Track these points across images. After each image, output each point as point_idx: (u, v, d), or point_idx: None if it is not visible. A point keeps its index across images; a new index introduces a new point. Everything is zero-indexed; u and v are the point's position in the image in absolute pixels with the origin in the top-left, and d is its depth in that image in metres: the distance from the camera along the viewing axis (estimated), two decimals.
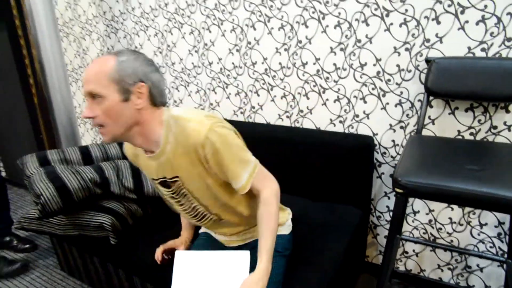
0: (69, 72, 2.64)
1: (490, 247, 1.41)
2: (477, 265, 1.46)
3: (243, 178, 0.97)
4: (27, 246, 2.15)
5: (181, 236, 1.31)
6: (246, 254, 1.03)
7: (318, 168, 1.57)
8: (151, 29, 2.04)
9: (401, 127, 1.45)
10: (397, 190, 0.99)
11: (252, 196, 1.05)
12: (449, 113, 1.35)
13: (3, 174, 3.42)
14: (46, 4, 2.03)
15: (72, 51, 2.54)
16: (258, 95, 1.77)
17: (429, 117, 1.38)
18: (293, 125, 1.72)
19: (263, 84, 1.73)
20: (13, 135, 3.17)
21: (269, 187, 1.02)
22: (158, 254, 1.26)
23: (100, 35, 2.32)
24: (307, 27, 1.53)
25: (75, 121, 2.35)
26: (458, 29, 1.25)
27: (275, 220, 1.00)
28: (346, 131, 1.58)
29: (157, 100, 0.96)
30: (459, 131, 1.35)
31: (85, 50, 2.46)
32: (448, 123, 1.36)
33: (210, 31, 1.82)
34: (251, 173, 0.98)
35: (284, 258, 1.15)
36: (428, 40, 1.31)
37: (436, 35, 1.29)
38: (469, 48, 1.25)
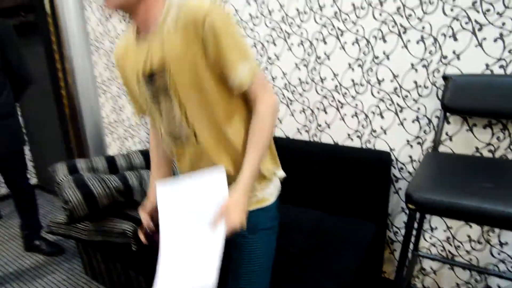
0: (98, 84, 2.76)
1: None
2: (498, 286, 1.43)
3: (242, 72, 0.84)
4: (55, 250, 2.25)
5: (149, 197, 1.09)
6: (220, 172, 0.90)
7: (335, 182, 1.59)
8: None
9: (418, 143, 1.45)
10: (409, 205, 1.00)
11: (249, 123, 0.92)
12: (467, 130, 1.34)
13: (35, 180, 3.58)
14: (79, 21, 2.16)
15: (102, 64, 2.67)
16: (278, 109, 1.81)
17: (446, 134, 1.38)
18: (311, 139, 1.74)
19: (283, 98, 1.77)
20: (45, 143, 3.33)
21: (267, 98, 0.89)
22: (147, 221, 1.04)
23: None
24: (325, 43, 1.56)
25: (103, 131, 2.46)
26: (476, 46, 1.25)
27: (267, 137, 0.89)
28: (364, 146, 1.59)
29: None
30: (477, 148, 1.34)
31: (113, 65, 2.58)
32: (466, 140, 1.35)
33: None
34: (251, 69, 0.85)
35: (274, 234, 1.04)
36: (445, 57, 1.32)
37: (454, 52, 1.30)
38: (487, 65, 1.25)
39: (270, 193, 0.99)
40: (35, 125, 3.35)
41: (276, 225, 1.03)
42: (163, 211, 0.94)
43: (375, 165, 1.49)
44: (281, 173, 1.05)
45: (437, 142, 1.33)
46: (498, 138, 1.30)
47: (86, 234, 1.59)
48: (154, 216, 1.03)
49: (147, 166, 1.84)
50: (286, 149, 1.72)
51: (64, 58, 2.17)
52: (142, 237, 1.04)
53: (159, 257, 0.89)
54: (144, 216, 1.04)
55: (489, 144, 1.31)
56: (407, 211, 1.55)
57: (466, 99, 1.23)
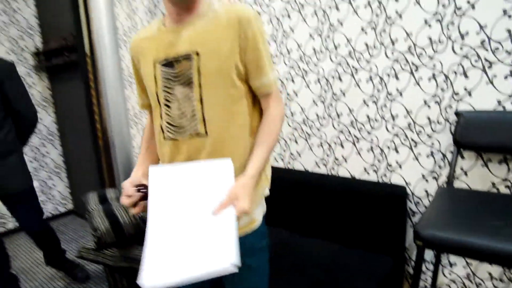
0: (131, 117, 2.93)
1: None
2: None
3: (272, 76, 0.95)
4: (83, 274, 2.34)
5: (137, 171, 1.04)
6: (228, 162, 0.89)
7: (352, 215, 1.60)
8: None
9: (434, 178, 1.45)
10: (417, 242, 1.01)
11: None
12: (482, 165, 1.34)
13: (71, 205, 3.77)
14: (115, 59, 2.33)
15: (134, 98, 2.84)
16: (297, 143, 1.86)
17: (461, 169, 1.38)
18: (329, 173, 1.78)
19: (301, 132, 1.83)
20: (81, 172, 3.52)
21: (280, 107, 0.98)
22: (129, 190, 0.93)
23: None
24: (341, 81, 1.62)
25: (133, 162, 2.58)
26: (487, 83, 1.27)
27: (275, 140, 0.96)
28: (380, 180, 1.61)
29: None
30: (493, 183, 1.33)
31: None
32: (482, 175, 1.35)
33: None
34: (275, 78, 0.97)
35: (267, 249, 1.05)
36: (457, 94, 1.34)
37: (465, 89, 1.32)
38: (498, 101, 1.26)
39: (258, 213, 1.02)
40: (73, 155, 3.56)
41: (268, 240, 1.06)
42: (155, 193, 0.87)
43: (391, 199, 1.50)
44: (267, 191, 1.05)
45: (450, 177, 1.33)
46: None
47: (113, 260, 1.67)
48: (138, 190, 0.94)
49: None
50: (304, 182, 1.76)
51: (99, 93, 2.34)
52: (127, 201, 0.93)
53: (146, 241, 0.83)
54: (126, 184, 0.95)
55: (505, 179, 1.30)
56: None
57: (478, 135, 1.24)
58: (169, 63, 0.94)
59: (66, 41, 2.88)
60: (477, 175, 1.36)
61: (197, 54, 0.90)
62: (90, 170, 3.17)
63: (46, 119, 3.51)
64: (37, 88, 3.41)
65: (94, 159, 2.98)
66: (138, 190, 0.93)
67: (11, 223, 3.34)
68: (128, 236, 1.62)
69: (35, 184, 3.28)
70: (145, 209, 0.92)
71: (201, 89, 0.91)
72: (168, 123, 0.97)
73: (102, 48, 2.27)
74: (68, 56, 2.91)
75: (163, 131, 0.99)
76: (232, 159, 0.89)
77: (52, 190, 3.62)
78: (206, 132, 0.93)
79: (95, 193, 1.88)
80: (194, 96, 0.92)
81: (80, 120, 3.12)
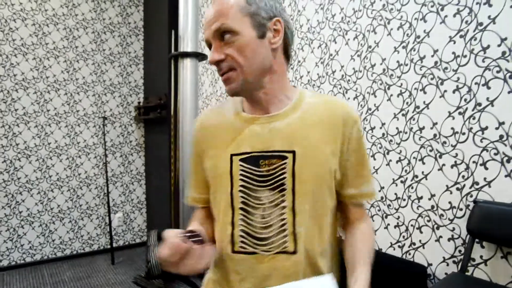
0: None
1: None
2: None
3: (373, 185, 0.85)
4: None
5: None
6: (329, 278, 0.72)
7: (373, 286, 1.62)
8: None
9: (454, 262, 1.44)
10: None
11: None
12: (501, 257, 1.31)
13: (144, 238, 4.16)
14: (192, 120, 2.72)
15: None
16: None
17: (481, 257, 1.36)
18: None
19: None
20: (157, 210, 3.93)
21: (370, 222, 0.87)
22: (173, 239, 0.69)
23: None
24: (373, 157, 1.73)
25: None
26: (506, 176, 1.29)
27: (371, 256, 0.80)
28: (404, 257, 1.62)
29: (289, 45, 0.81)
30: None
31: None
32: (501, 267, 1.31)
33: None
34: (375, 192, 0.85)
35: None
36: (477, 183, 1.37)
37: (485, 179, 1.35)
38: None
39: None
40: (154, 195, 4.01)
41: None
42: None
43: (411, 277, 1.50)
44: None
45: (463, 264, 1.32)
46: None
47: None
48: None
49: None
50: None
51: (177, 147, 2.72)
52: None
53: None
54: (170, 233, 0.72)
55: None
56: None
57: (490, 227, 1.25)
58: (253, 160, 0.77)
59: (161, 100, 3.41)
60: (496, 267, 1.33)
61: (294, 154, 0.75)
62: (165, 210, 3.54)
63: (138, 161, 4.06)
64: (134, 135, 4.01)
65: (168, 201, 3.35)
66: (188, 237, 0.70)
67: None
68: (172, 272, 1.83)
69: (119, 215, 3.76)
70: (191, 271, 0.70)
71: (294, 197, 0.75)
72: (245, 232, 0.77)
73: (184, 110, 2.68)
74: (160, 113, 3.42)
75: (233, 242, 0.78)
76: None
77: (133, 222, 4.06)
78: (295, 250, 0.75)
79: (156, 231, 2.16)
80: (285, 205, 0.75)
81: (163, 166, 3.57)
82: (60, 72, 3.50)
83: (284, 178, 0.75)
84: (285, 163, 0.75)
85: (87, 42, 3.63)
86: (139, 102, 3.91)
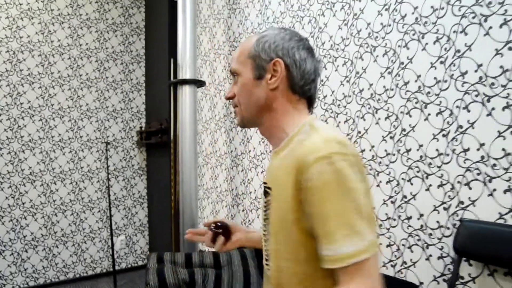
0: (204, 191, 3.31)
1: None
2: None
3: (342, 248, 0.63)
4: None
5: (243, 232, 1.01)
6: None
7: None
8: None
9: (444, 280, 1.46)
10: None
11: None
12: (488, 274, 1.33)
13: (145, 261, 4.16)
14: (192, 145, 2.78)
15: (208, 175, 3.24)
16: None
17: (469, 275, 1.39)
18: None
19: None
20: (159, 232, 3.95)
21: None
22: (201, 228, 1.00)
23: (227, 167, 2.96)
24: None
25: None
26: (488, 195, 1.33)
27: None
28: (397, 276, 1.64)
29: (296, 84, 0.80)
30: None
31: (216, 176, 3.13)
32: (488, 285, 1.33)
33: None
34: (356, 254, 0.63)
35: None
36: (462, 203, 1.40)
37: (469, 199, 1.38)
38: (500, 213, 1.30)
39: None
40: (156, 218, 4.03)
41: None
42: None
43: None
44: None
45: (452, 282, 1.34)
46: None
47: None
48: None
49: (215, 265, 2.14)
50: None
51: (176, 171, 2.77)
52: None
53: None
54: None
55: None
56: None
57: (475, 245, 1.28)
58: (265, 189, 0.82)
59: (161, 125, 3.49)
60: (484, 284, 1.35)
61: (271, 190, 0.78)
62: (166, 232, 3.57)
63: (140, 184, 4.11)
64: (137, 159, 4.07)
65: (168, 224, 3.37)
66: (216, 227, 0.97)
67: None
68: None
69: (122, 238, 3.78)
70: (224, 247, 0.96)
71: (270, 231, 0.78)
72: (265, 251, 0.86)
73: (183, 135, 2.75)
74: (161, 137, 3.49)
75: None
76: None
77: (135, 245, 4.08)
78: (270, 282, 0.80)
79: (156, 254, 2.19)
80: (267, 235, 0.81)
81: (164, 189, 3.61)
82: (64, 99, 3.60)
83: (268, 209, 0.80)
84: (269, 199, 0.80)
85: (91, 70, 3.74)
86: (141, 127, 3.99)
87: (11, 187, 3.35)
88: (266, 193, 0.82)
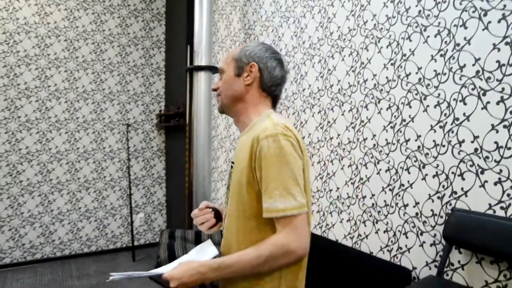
0: (218, 173, 3.43)
1: None
2: None
3: (276, 202, 0.85)
4: None
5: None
6: (209, 243, 1.04)
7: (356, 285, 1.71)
8: None
9: (435, 266, 1.51)
10: None
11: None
12: (476, 262, 1.38)
13: None
14: (206, 129, 2.88)
15: (223, 158, 3.35)
16: (332, 216, 2.06)
17: (458, 262, 1.43)
18: (354, 246, 1.92)
19: (335, 208, 2.03)
20: (175, 211, 4.11)
21: (286, 239, 0.85)
22: (203, 205, 1.17)
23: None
24: (367, 168, 1.82)
25: None
26: (480, 186, 1.36)
27: (254, 259, 0.87)
28: (392, 260, 1.70)
29: (265, 84, 1.02)
30: (486, 282, 1.35)
31: (230, 159, 3.22)
32: (476, 272, 1.38)
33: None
34: (287, 209, 0.84)
35: None
36: (455, 193, 1.44)
37: (462, 189, 1.42)
38: (489, 204, 1.33)
39: None
40: (173, 197, 4.19)
41: None
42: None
43: (396, 279, 1.58)
44: None
45: (440, 269, 1.40)
46: (505, 276, 1.30)
47: (166, 285, 2.04)
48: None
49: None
50: (335, 251, 1.93)
51: (191, 153, 2.89)
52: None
53: None
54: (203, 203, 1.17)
55: (497, 280, 1.32)
56: None
57: (462, 234, 1.32)
58: (231, 165, 1.05)
59: (179, 109, 3.60)
60: (472, 271, 1.40)
61: (233, 164, 1.01)
62: (182, 211, 3.72)
63: (158, 165, 4.26)
64: (156, 141, 4.22)
65: (184, 204, 3.52)
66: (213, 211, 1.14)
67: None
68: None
69: (141, 215, 3.97)
70: (207, 229, 1.13)
71: (229, 195, 1.01)
72: (224, 212, 1.08)
73: (198, 119, 2.84)
74: (178, 121, 3.60)
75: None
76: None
77: (153, 223, 4.27)
78: (224, 228, 1.03)
79: (168, 230, 2.32)
80: (227, 199, 1.04)
81: (181, 170, 3.75)
82: (88, 83, 3.76)
83: (230, 179, 1.02)
84: (231, 171, 1.02)
85: (113, 55, 3.87)
86: (160, 110, 4.12)
87: (39, 164, 3.56)
88: (231, 168, 1.03)
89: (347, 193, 1.94)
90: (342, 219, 1.98)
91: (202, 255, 1.05)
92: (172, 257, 1.98)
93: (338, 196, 2.00)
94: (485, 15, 1.34)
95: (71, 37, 3.64)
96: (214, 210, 1.12)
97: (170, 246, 2.03)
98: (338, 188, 2.00)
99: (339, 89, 2.00)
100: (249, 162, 0.91)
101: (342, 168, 1.97)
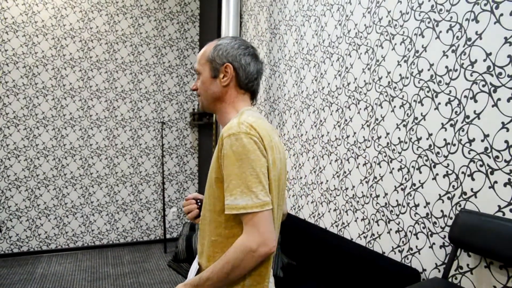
0: None
1: None
2: None
3: (236, 200, 0.86)
4: None
5: None
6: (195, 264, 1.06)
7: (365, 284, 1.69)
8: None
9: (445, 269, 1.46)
10: None
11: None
12: (485, 266, 1.32)
13: None
14: None
15: None
16: (347, 214, 2.05)
17: (467, 265, 1.38)
18: (367, 246, 1.89)
19: (351, 206, 2.01)
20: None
21: (246, 238, 0.86)
22: (189, 196, 1.16)
23: None
24: (380, 166, 1.79)
25: None
26: (489, 187, 1.31)
27: (225, 267, 0.87)
28: (403, 261, 1.66)
29: (242, 82, 1.03)
30: (494, 287, 1.29)
31: None
32: (484, 276, 1.32)
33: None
34: (247, 207, 0.85)
35: None
36: (465, 193, 1.39)
37: (471, 190, 1.36)
38: (499, 206, 1.27)
39: None
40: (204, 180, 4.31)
41: None
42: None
43: (405, 280, 1.55)
44: None
45: (446, 272, 1.35)
46: None
47: (184, 273, 2.13)
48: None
49: None
50: (348, 251, 1.91)
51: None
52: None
53: None
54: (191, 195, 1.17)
55: (506, 286, 1.26)
56: None
57: (471, 236, 1.27)
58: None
59: None
60: (480, 275, 1.34)
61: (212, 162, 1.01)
62: None
63: (191, 162, 4.42)
64: (189, 138, 4.37)
65: None
66: (196, 202, 1.14)
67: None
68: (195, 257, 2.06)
69: (174, 210, 4.13)
70: (193, 218, 1.13)
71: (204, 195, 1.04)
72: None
73: None
74: (208, 119, 3.71)
75: None
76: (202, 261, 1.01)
77: (185, 217, 4.42)
78: (198, 226, 1.07)
79: (189, 223, 2.41)
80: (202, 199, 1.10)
81: (208, 153, 3.86)
82: (126, 83, 3.98)
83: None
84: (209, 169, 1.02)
85: (150, 56, 4.07)
86: (193, 109, 4.26)
87: (81, 159, 3.83)
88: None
89: (362, 192, 1.92)
90: (357, 218, 1.96)
91: (192, 270, 1.11)
92: (189, 248, 2.07)
93: (353, 195, 1.98)
94: (497, 7, 1.28)
95: (111, 40, 3.87)
96: (200, 202, 1.16)
97: (189, 238, 2.12)
98: (353, 187, 1.98)
99: (355, 87, 1.98)
100: (217, 159, 0.93)
101: (357, 167, 1.95)
